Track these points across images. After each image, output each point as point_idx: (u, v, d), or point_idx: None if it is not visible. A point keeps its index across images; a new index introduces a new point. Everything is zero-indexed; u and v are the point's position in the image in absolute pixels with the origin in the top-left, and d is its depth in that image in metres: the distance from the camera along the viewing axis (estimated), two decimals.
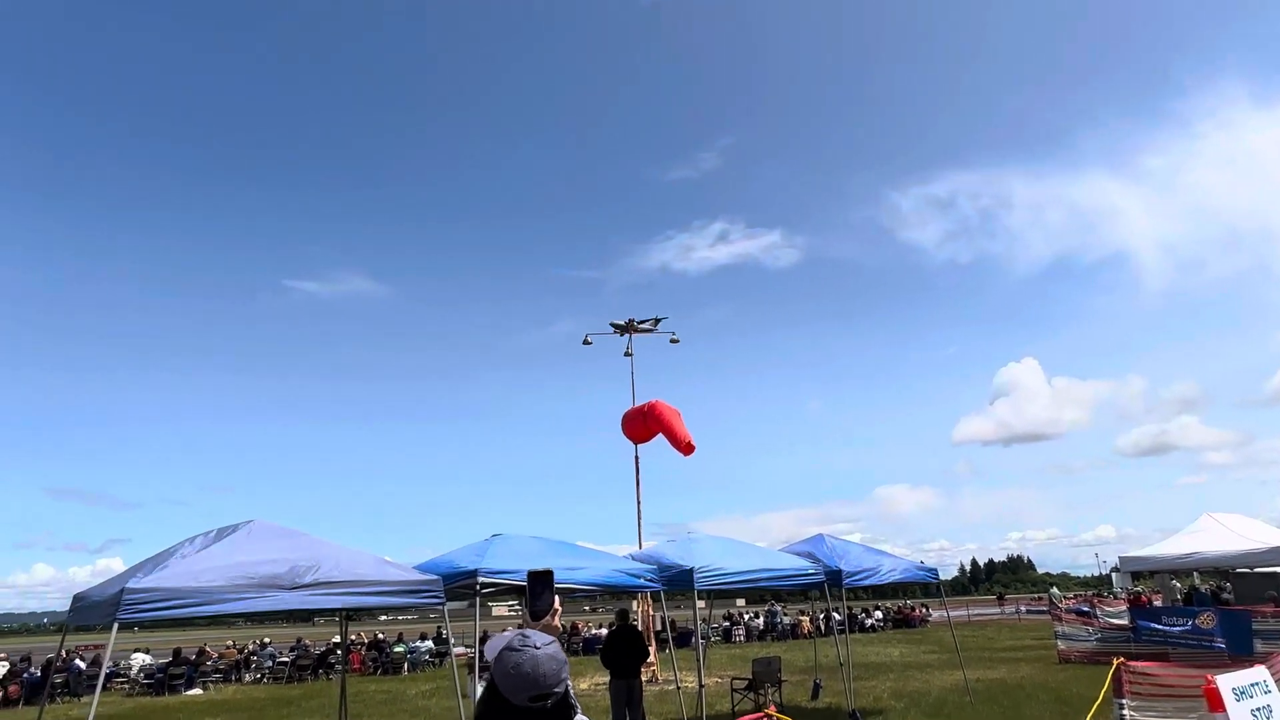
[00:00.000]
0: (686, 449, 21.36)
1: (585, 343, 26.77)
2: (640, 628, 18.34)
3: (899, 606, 55.12)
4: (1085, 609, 29.54)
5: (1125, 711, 8.64)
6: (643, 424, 22.01)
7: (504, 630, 2.80)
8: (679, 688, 13.46)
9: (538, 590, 2.94)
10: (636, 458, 23.35)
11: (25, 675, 27.81)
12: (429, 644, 34.49)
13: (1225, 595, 28.79)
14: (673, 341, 27.23)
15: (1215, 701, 7.11)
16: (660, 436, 21.96)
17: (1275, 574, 23.67)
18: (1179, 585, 30.23)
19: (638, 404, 22.99)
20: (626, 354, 26.02)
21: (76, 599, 9.47)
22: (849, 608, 35.70)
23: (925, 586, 16.56)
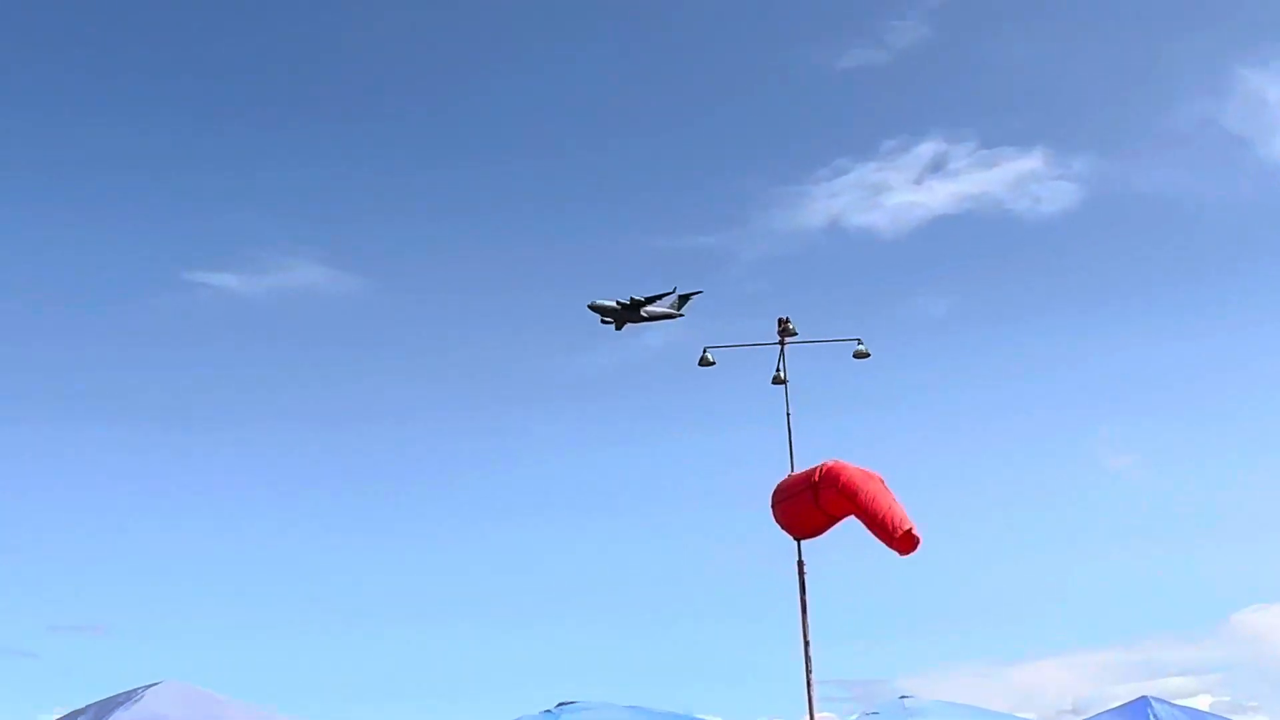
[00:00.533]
0: (905, 541, 20.51)
1: (703, 363, 26.96)
2: None
3: None
4: None
5: None
6: (812, 503, 21.78)
7: None
8: None
9: None
10: (800, 564, 23.24)
11: None
12: None
13: None
14: (858, 356, 26.97)
15: None
16: (848, 523, 21.74)
17: None
18: None
19: (800, 469, 22.94)
20: (776, 380, 25.76)
21: None
22: None
23: None
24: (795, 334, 26.35)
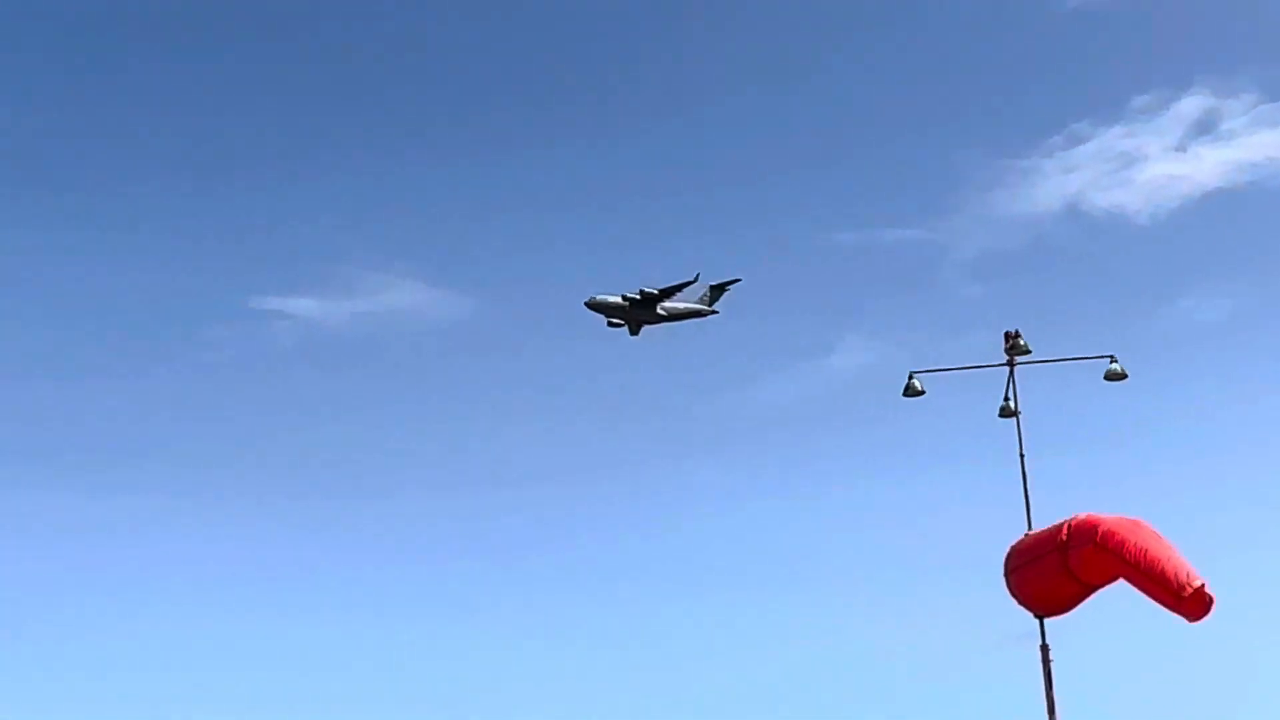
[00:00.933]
0: (1196, 603, 19.07)
1: (910, 392, 25.35)
2: None
3: None
4: None
5: None
6: (1061, 568, 20.79)
7: None
8: None
9: None
10: (1045, 649, 21.85)
11: None
12: None
13: None
14: (1111, 377, 24.90)
15: None
16: (1109, 592, 20.74)
17: None
18: None
19: (1041, 524, 21.77)
20: (1006, 412, 24.01)
21: None
22: None
23: None
24: (1028, 352, 24.39)
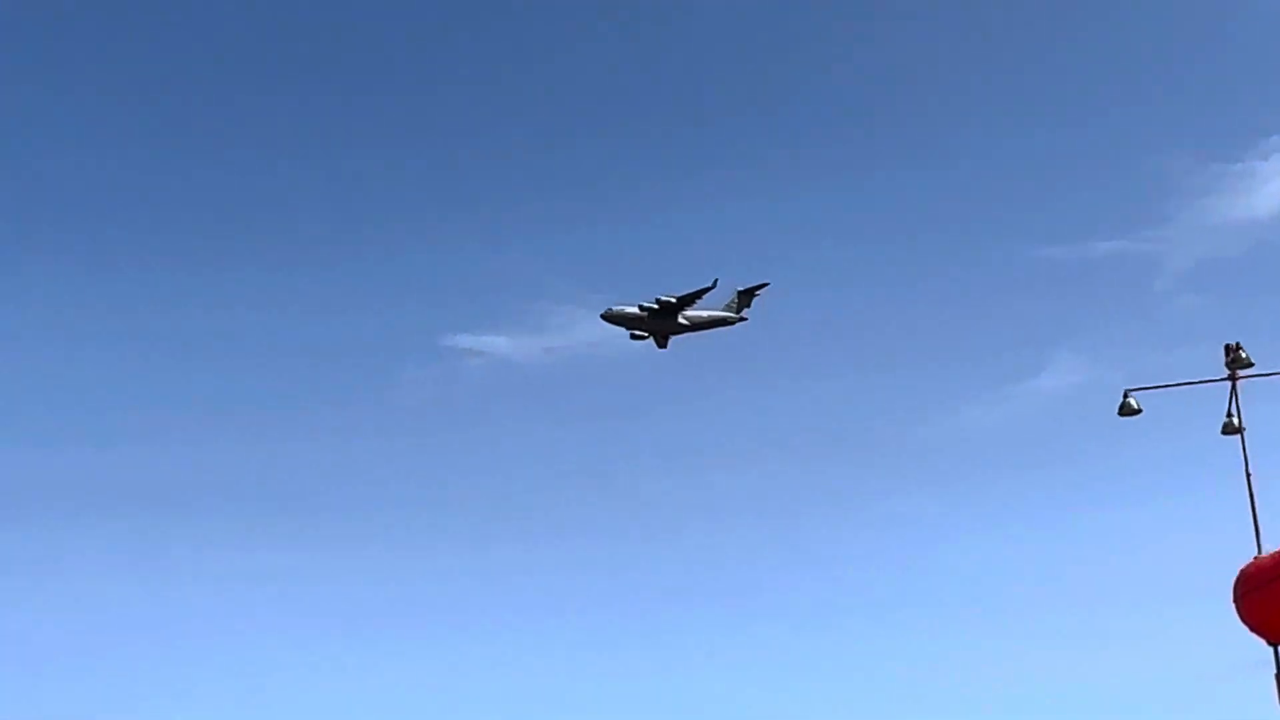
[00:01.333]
0: None
1: (1125, 411, 24.55)
2: None
3: None
4: None
5: None
6: None
7: None
8: None
9: None
10: None
11: None
12: None
13: None
14: None
15: None
16: None
17: None
18: None
19: (1271, 549, 21.48)
20: (1229, 429, 23.17)
21: None
22: None
23: None
24: (1251, 365, 23.34)
